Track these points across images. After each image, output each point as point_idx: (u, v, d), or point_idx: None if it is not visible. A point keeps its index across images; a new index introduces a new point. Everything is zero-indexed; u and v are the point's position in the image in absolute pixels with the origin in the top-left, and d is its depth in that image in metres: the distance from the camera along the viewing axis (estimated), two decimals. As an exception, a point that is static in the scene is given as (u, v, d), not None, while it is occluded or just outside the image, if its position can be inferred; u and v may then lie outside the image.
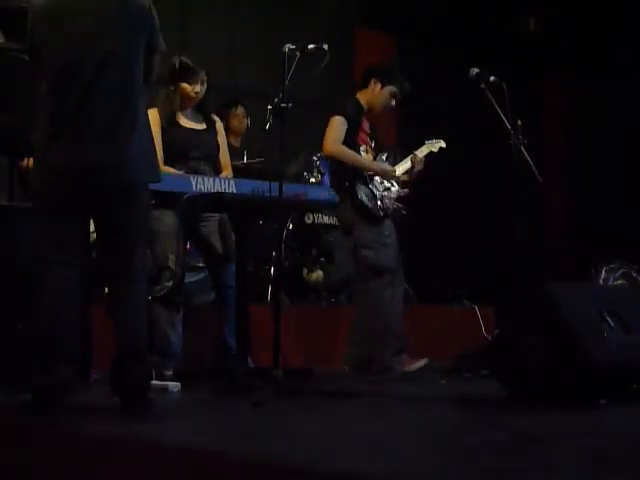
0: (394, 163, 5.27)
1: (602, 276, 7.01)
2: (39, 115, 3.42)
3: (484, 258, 8.00)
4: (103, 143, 3.35)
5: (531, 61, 9.12)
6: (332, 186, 5.17)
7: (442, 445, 2.69)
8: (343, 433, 2.94)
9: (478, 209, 8.30)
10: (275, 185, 3.94)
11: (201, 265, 5.01)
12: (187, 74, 4.52)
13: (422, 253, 7.17)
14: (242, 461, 2.44)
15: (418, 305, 6.59)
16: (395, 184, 5.19)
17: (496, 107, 4.64)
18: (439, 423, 3.23)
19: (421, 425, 3.18)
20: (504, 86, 4.61)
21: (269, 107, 4.17)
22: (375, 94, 5.18)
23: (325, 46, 4.12)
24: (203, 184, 4.23)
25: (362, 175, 5.06)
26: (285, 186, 3.94)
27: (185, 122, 4.58)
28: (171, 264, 4.36)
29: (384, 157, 5.23)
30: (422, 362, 4.97)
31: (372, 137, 5.25)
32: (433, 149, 5.40)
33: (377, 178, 5.11)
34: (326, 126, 5.05)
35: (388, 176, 5.15)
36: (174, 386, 4.10)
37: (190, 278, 4.93)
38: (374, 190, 5.07)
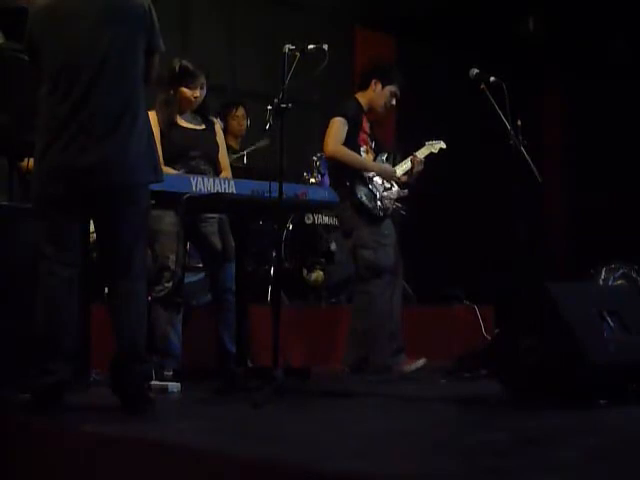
0: (394, 164, 5.28)
1: (602, 276, 7.01)
2: (39, 116, 3.42)
3: (484, 258, 8.00)
4: (103, 144, 3.35)
5: (531, 61, 9.12)
6: (332, 186, 5.17)
7: (442, 445, 2.69)
8: (343, 433, 2.94)
9: (478, 209, 8.30)
10: (275, 185, 3.94)
11: (201, 265, 5.00)
12: (187, 78, 4.52)
13: (422, 253, 7.17)
14: (242, 461, 2.44)
15: (418, 305, 6.60)
16: (395, 185, 5.19)
17: (496, 107, 4.64)
18: (439, 423, 3.23)
19: (421, 425, 3.18)
20: (504, 86, 4.62)
21: (269, 107, 4.17)
22: (376, 94, 5.18)
23: (325, 46, 4.12)
24: (203, 184, 4.23)
25: (362, 175, 5.07)
26: (285, 186, 3.94)
27: (184, 123, 4.59)
28: (171, 264, 4.36)
29: (384, 158, 5.24)
30: (420, 362, 4.97)
31: (372, 137, 5.25)
32: (433, 150, 5.41)
33: (377, 178, 5.11)
34: (326, 127, 5.05)
35: (388, 177, 5.15)
36: (174, 386, 4.10)
37: (190, 278, 4.93)
38: (374, 190, 5.07)
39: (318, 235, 6.21)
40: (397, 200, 5.23)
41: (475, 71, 4.80)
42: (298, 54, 4.09)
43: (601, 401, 3.34)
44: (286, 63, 4.04)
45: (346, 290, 6.12)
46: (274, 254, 5.51)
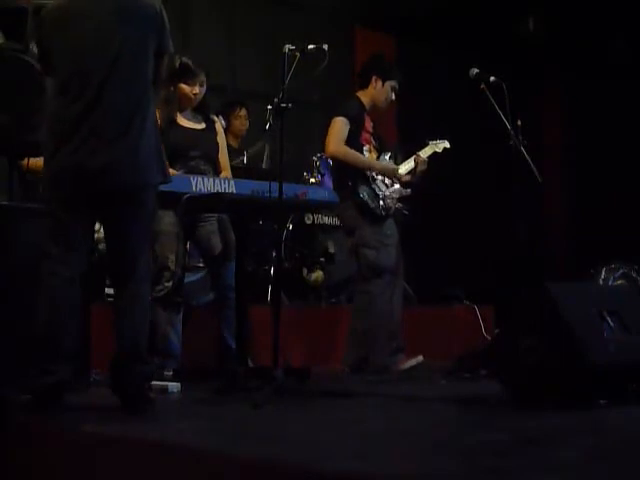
0: (396, 163, 5.27)
1: (602, 276, 7.01)
2: (49, 116, 3.42)
3: (484, 258, 8.00)
4: (114, 145, 3.36)
5: (531, 61, 9.12)
6: (335, 186, 5.17)
7: (442, 445, 2.69)
8: (343, 433, 2.93)
9: (478, 209, 8.30)
10: (275, 185, 3.94)
11: (201, 265, 5.01)
12: (186, 75, 4.53)
13: (422, 253, 7.17)
14: (242, 461, 2.44)
15: (418, 305, 6.60)
16: (398, 184, 5.18)
17: (496, 107, 4.64)
18: (439, 423, 3.23)
19: (421, 425, 3.18)
20: (504, 86, 4.62)
21: (269, 107, 4.17)
22: (378, 91, 5.18)
23: (325, 46, 4.12)
24: (203, 184, 4.23)
25: (365, 175, 5.06)
26: (285, 186, 3.94)
27: (184, 122, 4.59)
28: (171, 264, 4.36)
29: (387, 157, 5.23)
30: (415, 360, 4.96)
31: (375, 136, 5.25)
32: (437, 149, 5.40)
33: (380, 178, 5.11)
34: (328, 127, 5.05)
35: (391, 176, 5.15)
36: (174, 386, 4.10)
37: (190, 278, 4.93)
38: (376, 190, 5.06)
39: (318, 235, 6.21)
40: (400, 199, 5.22)
41: (475, 71, 4.80)
42: (298, 54, 4.09)
43: (601, 401, 3.34)
44: (286, 63, 4.04)
45: (346, 290, 6.12)
46: (274, 254, 5.51)
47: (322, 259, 6.11)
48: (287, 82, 4.02)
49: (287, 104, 3.99)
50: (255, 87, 7.29)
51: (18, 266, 3.87)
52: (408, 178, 5.24)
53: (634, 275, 7.06)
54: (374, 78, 5.18)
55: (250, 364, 4.50)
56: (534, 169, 4.56)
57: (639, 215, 8.05)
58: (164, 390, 4.03)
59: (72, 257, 3.43)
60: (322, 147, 5.19)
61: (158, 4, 3.50)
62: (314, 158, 6.25)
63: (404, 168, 5.24)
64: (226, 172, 4.69)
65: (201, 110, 4.66)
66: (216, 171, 4.63)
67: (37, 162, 4.50)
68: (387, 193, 5.10)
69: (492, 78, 4.72)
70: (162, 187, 3.88)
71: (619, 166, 8.45)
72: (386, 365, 4.92)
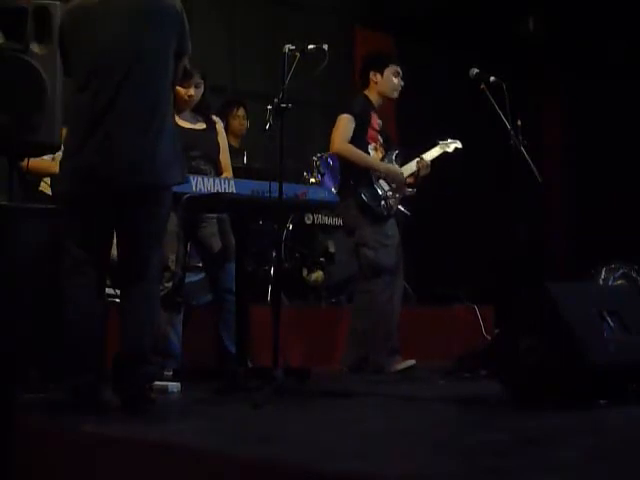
0: (401, 164, 5.24)
1: (602, 276, 7.01)
2: (69, 115, 3.43)
3: (484, 258, 8.00)
4: (131, 145, 3.36)
5: (531, 61, 9.12)
6: (340, 184, 5.16)
7: (442, 445, 2.69)
8: (343, 433, 2.93)
9: (478, 209, 8.30)
10: (275, 185, 3.94)
11: (201, 265, 5.01)
12: (181, 77, 4.52)
13: (422, 253, 7.17)
14: (242, 461, 2.44)
15: (418, 305, 6.60)
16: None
17: (496, 107, 4.64)
18: (439, 423, 3.23)
19: (421, 425, 3.18)
20: (504, 86, 4.62)
21: (269, 107, 4.17)
22: (380, 84, 5.16)
23: (325, 46, 4.12)
24: (203, 184, 4.23)
25: (368, 174, 5.04)
26: (285, 186, 3.94)
27: (183, 123, 4.58)
28: (171, 264, 4.36)
29: (393, 156, 5.19)
30: (408, 363, 4.95)
31: (383, 134, 5.22)
32: (447, 150, 5.38)
33: (383, 177, 5.08)
34: (329, 126, 5.04)
35: (395, 178, 5.12)
36: (174, 386, 4.10)
37: (190, 278, 4.93)
38: (379, 190, 5.05)
39: (318, 235, 6.21)
40: (403, 199, 5.20)
41: (475, 71, 4.81)
42: (298, 54, 4.09)
43: (601, 401, 3.34)
44: (286, 63, 4.04)
45: (346, 290, 6.12)
46: (274, 254, 5.51)
47: (322, 259, 6.11)
48: (287, 82, 4.02)
49: (287, 104, 3.99)
50: (255, 87, 7.29)
51: (18, 266, 3.86)
52: (411, 180, 5.22)
53: (634, 275, 7.06)
54: (372, 74, 5.18)
55: (250, 364, 4.51)
56: (534, 169, 4.56)
57: (639, 215, 8.05)
58: (164, 390, 4.03)
59: (94, 257, 3.44)
60: (323, 147, 5.19)
61: (179, 5, 3.50)
62: (314, 158, 6.25)
63: (407, 170, 5.21)
64: (227, 173, 4.68)
65: (201, 111, 4.66)
66: (217, 171, 4.63)
67: (37, 162, 4.51)
68: (390, 193, 5.08)
69: (492, 78, 4.72)
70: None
71: (619, 166, 8.44)
72: (383, 365, 4.92)
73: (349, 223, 5.16)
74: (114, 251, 3.60)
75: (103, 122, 3.34)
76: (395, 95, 5.23)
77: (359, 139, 5.03)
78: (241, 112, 6.40)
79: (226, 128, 5.85)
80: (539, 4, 8.86)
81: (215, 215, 4.52)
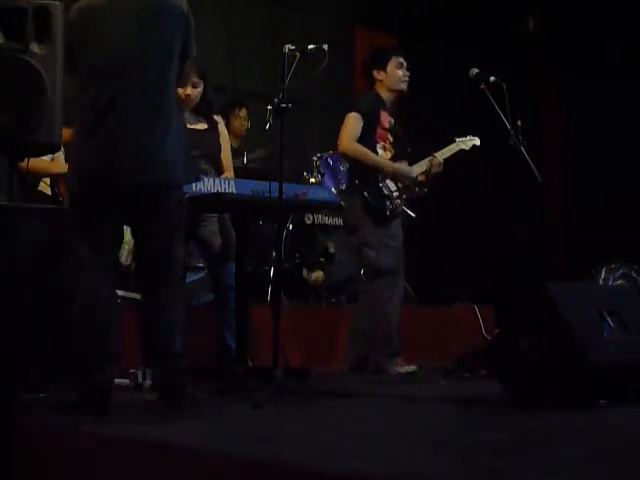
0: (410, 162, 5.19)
1: (602, 276, 7.00)
2: (75, 114, 3.43)
3: (484, 258, 8.00)
4: (136, 145, 3.36)
5: (530, 61, 9.12)
6: (348, 183, 5.13)
7: (442, 445, 2.69)
8: (343, 433, 2.93)
9: (478, 209, 8.29)
10: (275, 185, 3.94)
11: (201, 265, 5.01)
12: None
13: (423, 253, 7.16)
14: (242, 461, 2.44)
15: (418, 305, 6.59)
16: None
17: (496, 107, 4.64)
18: (439, 423, 3.23)
19: (421, 425, 3.18)
20: (504, 86, 4.62)
21: (269, 107, 4.17)
22: (386, 79, 5.08)
23: (325, 46, 4.12)
24: (203, 184, 4.23)
25: (374, 173, 4.99)
26: (285, 186, 3.94)
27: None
28: (171, 264, 4.35)
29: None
30: (409, 368, 4.93)
31: (393, 133, 5.15)
32: (464, 147, 5.32)
33: (390, 177, 5.04)
34: (333, 125, 5.00)
35: (404, 178, 5.05)
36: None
37: (191, 278, 4.93)
38: (384, 190, 4.99)
39: (318, 235, 6.21)
40: (411, 199, 5.16)
41: (475, 71, 4.80)
42: (298, 54, 4.09)
43: (601, 401, 3.34)
44: (286, 63, 4.04)
45: (346, 290, 6.11)
46: (274, 254, 5.51)
47: (322, 259, 6.11)
48: (287, 82, 4.02)
49: (287, 104, 3.99)
50: (255, 87, 7.29)
51: (18, 266, 3.86)
52: (423, 178, 5.15)
53: (634, 275, 7.06)
54: (375, 72, 5.11)
55: (250, 364, 4.51)
56: (534, 169, 4.56)
57: (639, 215, 8.05)
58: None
59: (103, 258, 3.44)
60: (323, 147, 5.18)
61: (185, 6, 3.50)
62: (314, 158, 6.25)
63: (418, 169, 5.13)
64: (228, 173, 4.68)
65: (203, 111, 4.65)
66: (218, 171, 4.63)
67: (36, 162, 4.50)
68: (396, 193, 5.04)
69: (492, 78, 4.72)
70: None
71: (618, 166, 8.44)
72: (383, 366, 4.92)
73: (353, 222, 5.11)
74: (124, 256, 3.61)
75: (110, 122, 3.34)
76: (402, 87, 5.11)
77: (367, 138, 4.97)
78: (243, 113, 6.42)
79: (227, 128, 5.86)
80: (538, 4, 8.87)
81: (216, 214, 4.52)
